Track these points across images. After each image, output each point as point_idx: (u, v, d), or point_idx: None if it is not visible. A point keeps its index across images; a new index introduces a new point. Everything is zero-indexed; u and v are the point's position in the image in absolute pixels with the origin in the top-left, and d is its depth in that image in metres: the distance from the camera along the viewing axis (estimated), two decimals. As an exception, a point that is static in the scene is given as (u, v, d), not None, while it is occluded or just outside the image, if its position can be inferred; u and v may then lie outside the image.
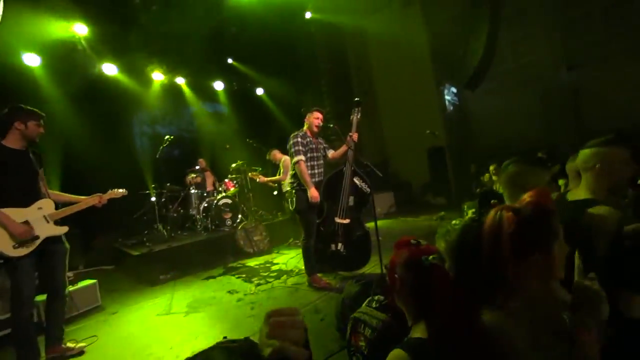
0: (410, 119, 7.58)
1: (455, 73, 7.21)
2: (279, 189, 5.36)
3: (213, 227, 5.14)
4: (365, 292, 2.27)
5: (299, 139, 3.20)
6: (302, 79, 7.49)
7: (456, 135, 7.37)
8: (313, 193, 3.08)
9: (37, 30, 4.26)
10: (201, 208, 5.21)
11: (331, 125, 3.31)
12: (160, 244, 4.53)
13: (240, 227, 4.94)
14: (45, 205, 2.34)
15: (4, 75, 4.16)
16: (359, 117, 3.26)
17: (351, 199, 3.24)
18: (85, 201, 2.49)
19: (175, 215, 5.27)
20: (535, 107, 6.71)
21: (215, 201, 5.18)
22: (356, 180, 3.26)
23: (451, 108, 7.77)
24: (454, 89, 7.90)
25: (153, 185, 5.06)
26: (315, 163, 3.31)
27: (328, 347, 2.17)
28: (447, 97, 7.66)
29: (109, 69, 5.18)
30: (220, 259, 4.62)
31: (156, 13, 4.87)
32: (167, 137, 5.18)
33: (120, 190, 2.67)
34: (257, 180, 5.33)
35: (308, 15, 6.49)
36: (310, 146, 3.26)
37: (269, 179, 5.28)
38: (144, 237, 4.76)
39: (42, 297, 2.95)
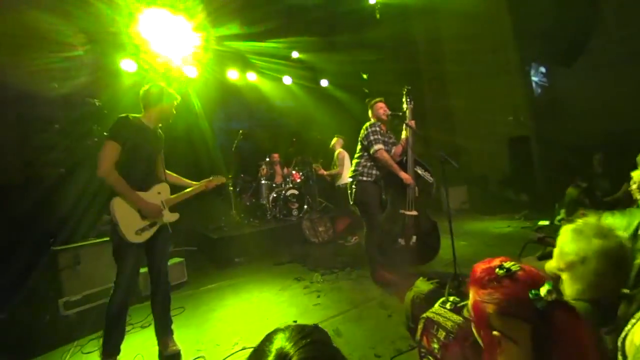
0: (487, 104, 6.80)
1: (545, 48, 6.23)
2: (332, 182, 5.40)
3: (281, 217, 5.39)
4: (438, 292, 2.14)
5: (377, 128, 3.16)
6: (369, 67, 7.30)
7: (545, 122, 6.43)
8: (405, 176, 3.01)
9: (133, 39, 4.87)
10: (270, 198, 5.50)
11: (400, 114, 3.17)
12: (236, 229, 4.93)
13: (306, 217, 5.10)
14: (163, 190, 2.25)
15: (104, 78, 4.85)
16: (412, 105, 3.18)
17: (416, 189, 3.10)
18: (196, 187, 2.41)
19: (248, 204, 5.67)
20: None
21: (283, 192, 5.43)
22: (418, 169, 3.13)
23: (539, 91, 6.79)
24: (542, 69, 6.88)
25: (230, 176, 5.49)
26: None
27: (396, 345, 2.11)
28: (535, 78, 6.71)
29: (190, 71, 5.71)
30: (287, 247, 4.84)
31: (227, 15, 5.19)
32: (240, 131, 5.57)
33: (222, 177, 2.60)
34: (319, 172, 5.42)
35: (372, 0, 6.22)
36: (384, 138, 3.19)
37: (328, 172, 5.32)
38: (222, 223, 5.23)
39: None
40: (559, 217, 3.57)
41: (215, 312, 2.97)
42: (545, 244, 3.32)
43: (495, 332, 0.71)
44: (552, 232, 3.53)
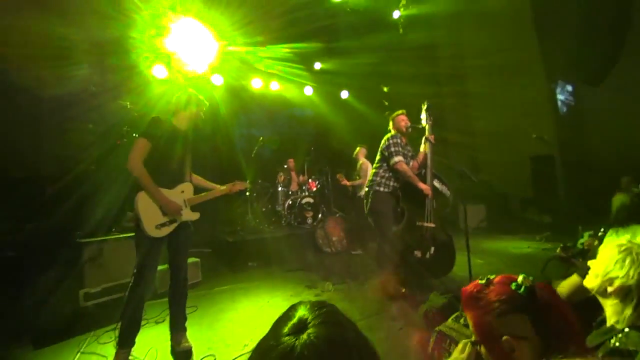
0: (509, 120, 6.68)
1: (572, 67, 6.10)
2: (353, 192, 5.39)
3: (296, 224, 5.43)
4: (452, 306, 2.10)
5: (398, 140, 3.19)
6: (390, 80, 7.36)
7: (571, 142, 6.24)
8: (424, 187, 3.03)
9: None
10: (286, 205, 5.56)
11: (420, 127, 3.20)
12: (251, 234, 5.00)
13: (320, 226, 5.12)
14: (187, 189, 2.35)
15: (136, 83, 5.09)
16: (431, 121, 3.23)
17: (433, 202, 3.10)
18: (219, 190, 2.50)
19: (264, 209, 5.75)
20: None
21: (299, 200, 5.48)
22: (436, 183, 3.15)
23: (565, 109, 6.62)
24: (569, 87, 6.72)
25: (248, 181, 5.61)
26: None
27: (406, 358, 2.07)
28: (561, 97, 6.56)
29: (216, 79, 5.94)
30: (300, 254, 4.85)
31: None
32: (261, 138, 5.71)
33: (245, 182, 2.70)
34: (342, 182, 5.42)
35: (396, 14, 6.29)
36: (404, 151, 3.22)
37: (351, 183, 5.33)
38: (237, 227, 5.31)
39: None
40: (581, 240, 3.43)
41: (227, 313, 3.02)
42: (569, 264, 3.19)
43: (505, 337, 0.75)
44: (575, 254, 3.39)
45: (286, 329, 0.53)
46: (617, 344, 0.96)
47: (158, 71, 5.30)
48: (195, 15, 4.92)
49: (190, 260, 3.84)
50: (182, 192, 2.33)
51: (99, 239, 3.38)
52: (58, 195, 3.67)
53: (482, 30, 7.06)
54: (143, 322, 2.78)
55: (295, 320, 0.54)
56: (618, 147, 5.66)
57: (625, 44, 5.60)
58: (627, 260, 1.02)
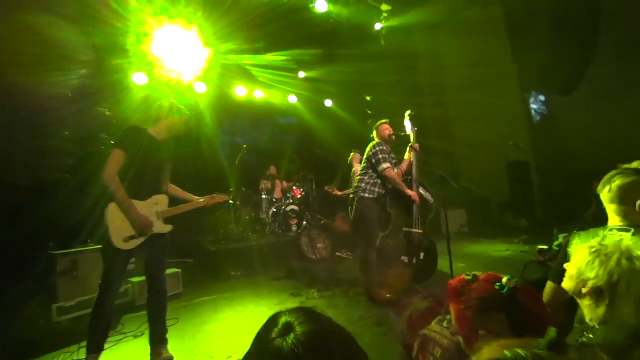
0: (487, 128, 6.92)
1: (544, 76, 6.44)
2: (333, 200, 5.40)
3: (280, 232, 5.38)
4: (435, 310, 2.13)
5: (384, 148, 3.24)
6: (373, 89, 7.51)
7: (545, 149, 6.54)
8: (412, 193, 3.09)
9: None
10: (270, 213, 5.52)
11: (402, 134, 3.28)
12: (234, 242, 4.91)
13: (304, 233, 5.10)
14: (161, 201, 2.30)
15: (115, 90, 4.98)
16: (415, 129, 3.33)
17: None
18: (196, 202, 2.44)
19: (247, 217, 5.67)
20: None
21: (283, 207, 5.45)
22: (420, 189, 3.24)
23: (538, 118, 6.95)
24: (542, 97, 7.06)
25: (231, 189, 5.53)
26: None
27: (392, 363, 2.08)
28: (534, 106, 6.88)
29: (199, 87, 5.89)
30: (285, 262, 4.80)
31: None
32: (244, 146, 5.67)
33: (226, 195, 2.65)
34: (333, 193, 5.33)
35: (378, 26, 6.47)
36: (389, 158, 3.28)
37: (342, 192, 5.24)
38: (220, 236, 5.21)
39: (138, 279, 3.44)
40: (557, 242, 3.58)
41: (210, 324, 2.94)
42: (546, 267, 3.31)
43: (481, 332, 0.80)
44: (551, 257, 3.53)
45: (274, 335, 0.55)
46: (585, 340, 1.01)
47: (138, 78, 5.22)
48: (181, 22, 4.89)
49: (171, 271, 3.73)
50: (156, 204, 2.28)
51: (74, 250, 3.24)
52: (30, 205, 3.51)
53: (460, 42, 7.35)
54: (120, 337, 2.71)
55: (280, 326, 0.56)
56: (589, 153, 5.96)
57: (594, 54, 5.96)
58: (597, 262, 1.07)
